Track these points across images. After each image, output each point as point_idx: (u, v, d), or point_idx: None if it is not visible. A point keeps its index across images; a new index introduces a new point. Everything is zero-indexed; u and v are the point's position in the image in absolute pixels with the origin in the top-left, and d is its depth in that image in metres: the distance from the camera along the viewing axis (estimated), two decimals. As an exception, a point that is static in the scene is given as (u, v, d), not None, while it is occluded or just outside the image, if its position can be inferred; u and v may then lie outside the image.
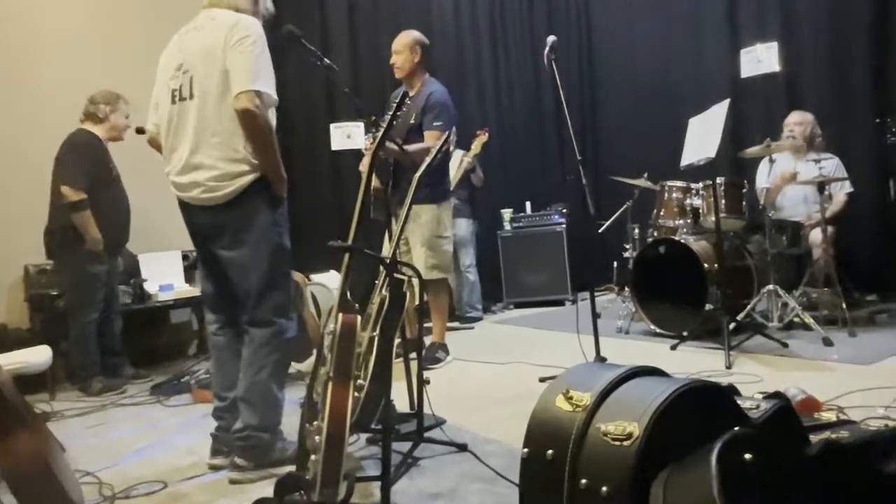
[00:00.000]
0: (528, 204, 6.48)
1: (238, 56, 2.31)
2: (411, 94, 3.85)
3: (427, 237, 3.86)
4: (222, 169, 2.35)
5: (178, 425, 3.26)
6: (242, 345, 2.49)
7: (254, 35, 2.34)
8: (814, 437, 1.49)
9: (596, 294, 3.52)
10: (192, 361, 4.48)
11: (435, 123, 3.78)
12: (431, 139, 3.72)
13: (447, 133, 3.81)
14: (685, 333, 4.00)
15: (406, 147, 3.45)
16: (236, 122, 2.33)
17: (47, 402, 3.84)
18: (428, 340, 4.13)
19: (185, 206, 2.50)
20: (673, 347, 3.93)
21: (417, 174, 2.63)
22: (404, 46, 3.90)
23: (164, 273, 4.75)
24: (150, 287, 4.61)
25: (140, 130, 4.09)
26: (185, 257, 4.86)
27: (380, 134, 2.33)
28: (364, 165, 3.91)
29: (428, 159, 2.72)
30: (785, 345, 3.65)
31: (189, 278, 4.84)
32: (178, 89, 2.43)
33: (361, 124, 3.75)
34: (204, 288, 2.63)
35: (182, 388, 3.86)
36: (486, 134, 5.46)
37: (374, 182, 3.86)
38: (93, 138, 4.15)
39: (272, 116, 2.43)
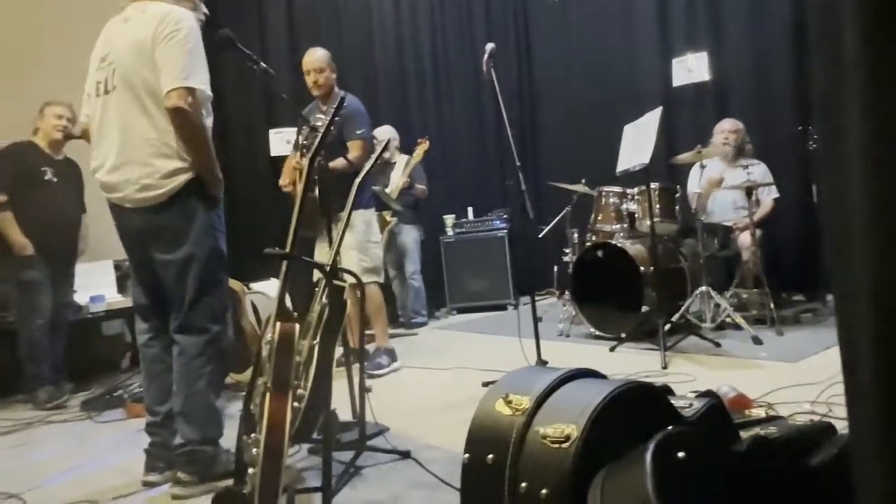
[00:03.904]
0: (470, 210, 6.52)
1: (168, 51, 2.24)
2: (324, 108, 3.82)
3: (359, 241, 3.84)
4: (156, 166, 2.28)
5: (109, 442, 3.14)
6: (173, 356, 2.41)
7: (185, 28, 2.27)
8: (744, 434, 1.54)
9: (537, 298, 3.56)
10: (125, 375, 4.33)
11: (357, 132, 3.75)
12: (356, 149, 3.70)
13: (370, 139, 3.80)
14: (623, 335, 4.09)
15: (332, 165, 3.42)
16: (169, 118, 2.27)
17: (-32, 421, 3.65)
18: (371, 348, 4.10)
19: (115, 208, 2.41)
20: (612, 349, 4.01)
21: (357, 180, 2.61)
22: (325, 64, 3.84)
23: (95, 284, 4.57)
24: (81, 298, 4.43)
25: (69, 136, 4.03)
26: (117, 267, 4.69)
27: (315, 142, 2.29)
28: (284, 180, 3.84)
29: (368, 165, 2.71)
30: (717, 344, 3.78)
31: (122, 289, 4.67)
32: (104, 82, 2.35)
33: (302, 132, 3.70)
34: (135, 296, 2.54)
35: (114, 402, 3.72)
36: (427, 142, 5.49)
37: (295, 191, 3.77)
38: (25, 145, 4.12)
39: (208, 113, 2.37)
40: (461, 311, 6.23)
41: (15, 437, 3.39)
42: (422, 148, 5.44)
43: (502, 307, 6.10)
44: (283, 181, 3.85)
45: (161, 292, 2.42)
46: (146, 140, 2.29)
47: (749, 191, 4.18)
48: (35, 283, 3.98)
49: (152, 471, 2.45)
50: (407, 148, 5.63)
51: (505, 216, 6.24)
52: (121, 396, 3.72)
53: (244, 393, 2.20)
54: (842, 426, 1.71)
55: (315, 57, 3.86)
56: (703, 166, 4.44)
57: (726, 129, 4.76)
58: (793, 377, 3.02)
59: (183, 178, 2.31)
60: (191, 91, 2.24)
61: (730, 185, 4.47)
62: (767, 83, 5.26)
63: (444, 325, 5.79)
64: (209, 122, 2.37)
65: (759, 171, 4.52)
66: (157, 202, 2.31)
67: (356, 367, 2.83)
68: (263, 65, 2.76)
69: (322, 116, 3.00)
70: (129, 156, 2.30)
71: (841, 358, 0.99)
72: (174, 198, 2.31)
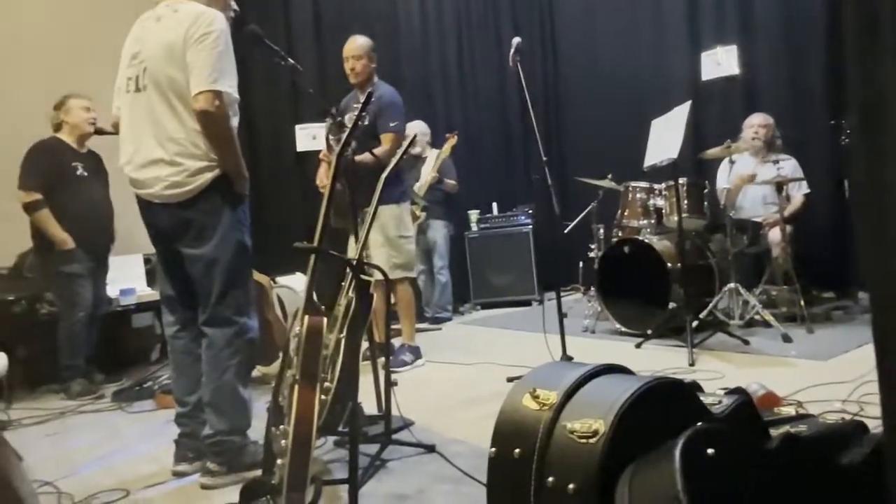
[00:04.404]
0: (494, 205, 6.51)
1: (199, 53, 2.26)
2: (361, 97, 3.82)
3: (390, 237, 3.84)
4: (185, 165, 2.32)
5: (140, 432, 3.20)
6: (201, 348, 2.45)
7: (216, 31, 2.29)
8: (774, 431, 1.52)
9: (562, 294, 3.55)
10: (154, 366, 4.39)
11: (391, 125, 3.76)
12: (387, 142, 3.71)
13: (403, 132, 3.80)
14: (649, 332, 4.05)
15: (358, 158, 3.43)
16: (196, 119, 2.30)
17: (3, 410, 3.73)
18: (397, 342, 4.11)
19: (144, 203, 2.44)
20: (638, 346, 3.98)
21: (384, 174, 2.62)
22: (364, 52, 3.84)
23: (126, 277, 4.66)
24: (111, 291, 4.52)
25: (99, 132, 4.09)
26: (147, 260, 4.77)
27: (343, 136, 2.30)
28: (321, 179, 3.87)
29: (395, 160, 2.71)
30: (746, 342, 3.73)
31: (151, 282, 4.75)
32: (135, 79, 2.38)
33: (326, 125, 3.71)
34: (162, 289, 2.57)
35: (144, 393, 3.79)
36: (455, 137, 5.49)
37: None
38: (52, 142, 4.17)
39: (234, 113, 2.40)
40: (485, 306, 6.23)
41: (48, 426, 3.46)
42: (449, 143, 5.45)
43: (527, 303, 6.09)
44: (320, 180, 3.88)
45: (189, 285, 2.46)
46: (175, 140, 2.32)
47: (779, 186, 4.12)
48: (76, 275, 4.07)
49: (182, 461, 2.49)
50: (437, 143, 5.65)
51: (529, 211, 6.22)
52: (151, 388, 3.79)
53: (271, 385, 2.23)
54: (874, 425, 1.68)
55: (355, 44, 3.87)
56: (732, 161, 4.38)
57: (756, 124, 4.68)
58: (823, 375, 2.97)
59: (210, 176, 2.34)
60: (218, 94, 2.26)
61: (760, 181, 4.41)
62: (798, 77, 5.16)
63: (469, 320, 5.79)
64: (235, 122, 2.41)
65: (789, 166, 4.45)
66: (184, 198, 2.34)
67: (382, 361, 2.84)
68: (291, 60, 2.78)
69: (358, 106, 3.01)
70: (159, 154, 2.33)
71: (876, 356, 0.97)
72: (201, 194, 2.34)
